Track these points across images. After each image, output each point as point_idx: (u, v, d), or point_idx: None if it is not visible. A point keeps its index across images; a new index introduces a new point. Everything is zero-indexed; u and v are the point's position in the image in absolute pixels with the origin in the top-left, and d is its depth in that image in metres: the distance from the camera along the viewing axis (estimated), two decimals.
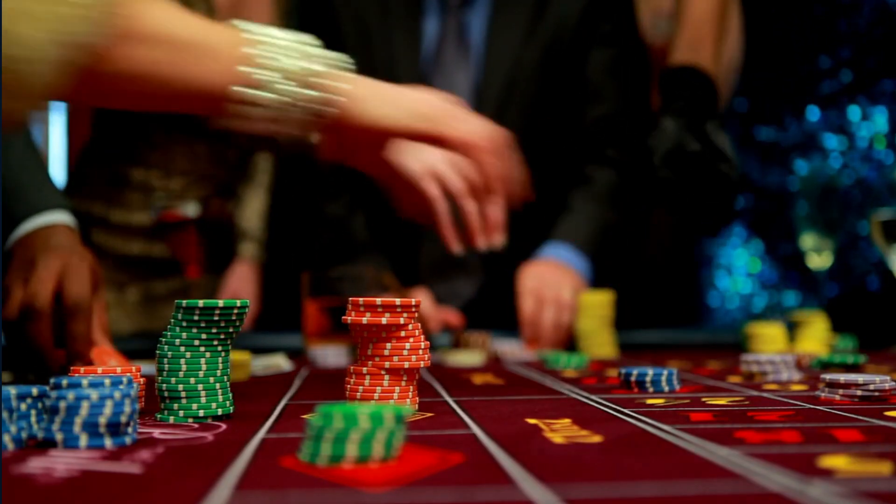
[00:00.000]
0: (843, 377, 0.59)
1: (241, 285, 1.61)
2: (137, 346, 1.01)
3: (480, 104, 1.34)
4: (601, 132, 1.41)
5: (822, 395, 0.61)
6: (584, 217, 1.35)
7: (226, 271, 1.62)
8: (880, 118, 2.02)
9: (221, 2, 1.43)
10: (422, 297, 1.25)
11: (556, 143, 1.41)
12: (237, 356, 0.80)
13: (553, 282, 1.21)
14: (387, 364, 0.54)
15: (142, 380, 0.57)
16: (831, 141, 2.01)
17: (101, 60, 0.61)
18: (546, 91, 1.39)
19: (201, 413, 0.51)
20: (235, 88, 0.67)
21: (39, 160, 0.93)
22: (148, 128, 1.48)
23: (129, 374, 0.52)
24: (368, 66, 0.89)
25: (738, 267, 2.34)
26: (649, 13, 1.56)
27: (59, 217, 0.88)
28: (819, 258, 1.41)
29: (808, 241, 1.41)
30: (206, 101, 0.68)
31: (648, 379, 0.67)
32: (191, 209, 1.26)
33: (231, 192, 1.62)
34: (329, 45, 0.72)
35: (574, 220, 1.34)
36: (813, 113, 2.12)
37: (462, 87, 1.36)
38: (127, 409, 0.42)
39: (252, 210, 1.64)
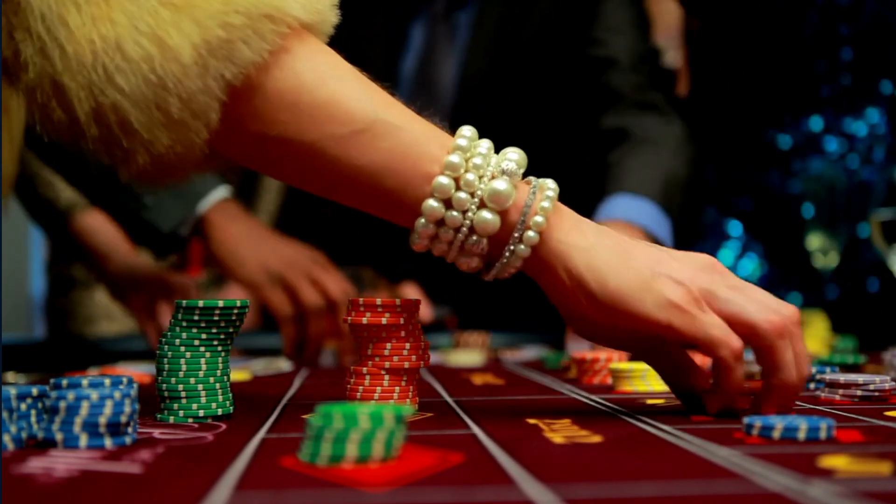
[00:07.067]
0: (842, 377, 0.59)
1: None
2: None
3: (465, 90, 1.33)
4: (637, 75, 1.24)
5: (822, 395, 0.61)
6: (651, 165, 1.03)
7: None
8: (879, 119, 2.02)
9: None
10: (411, 293, 1.25)
11: (556, 121, 1.35)
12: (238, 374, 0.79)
13: None
14: (387, 364, 0.54)
15: None
16: (831, 143, 2.02)
17: (247, 85, 0.49)
18: (537, 66, 1.34)
19: (201, 413, 0.51)
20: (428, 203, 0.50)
21: None
22: None
23: None
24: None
25: (739, 269, 2.34)
26: (663, 31, 1.54)
27: None
28: (825, 258, 1.41)
29: (814, 241, 1.41)
30: (382, 202, 0.52)
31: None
32: None
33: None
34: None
35: (637, 168, 1.01)
36: (813, 116, 2.12)
37: (447, 79, 1.36)
38: (127, 409, 0.42)
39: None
